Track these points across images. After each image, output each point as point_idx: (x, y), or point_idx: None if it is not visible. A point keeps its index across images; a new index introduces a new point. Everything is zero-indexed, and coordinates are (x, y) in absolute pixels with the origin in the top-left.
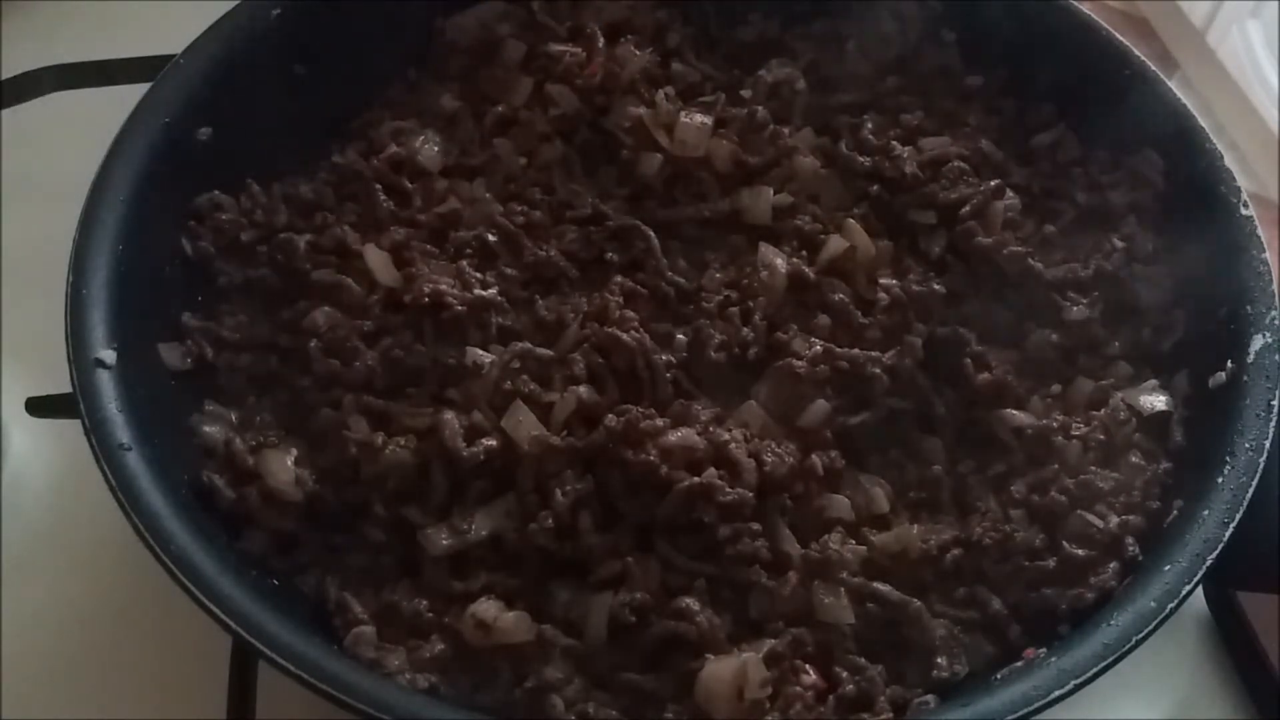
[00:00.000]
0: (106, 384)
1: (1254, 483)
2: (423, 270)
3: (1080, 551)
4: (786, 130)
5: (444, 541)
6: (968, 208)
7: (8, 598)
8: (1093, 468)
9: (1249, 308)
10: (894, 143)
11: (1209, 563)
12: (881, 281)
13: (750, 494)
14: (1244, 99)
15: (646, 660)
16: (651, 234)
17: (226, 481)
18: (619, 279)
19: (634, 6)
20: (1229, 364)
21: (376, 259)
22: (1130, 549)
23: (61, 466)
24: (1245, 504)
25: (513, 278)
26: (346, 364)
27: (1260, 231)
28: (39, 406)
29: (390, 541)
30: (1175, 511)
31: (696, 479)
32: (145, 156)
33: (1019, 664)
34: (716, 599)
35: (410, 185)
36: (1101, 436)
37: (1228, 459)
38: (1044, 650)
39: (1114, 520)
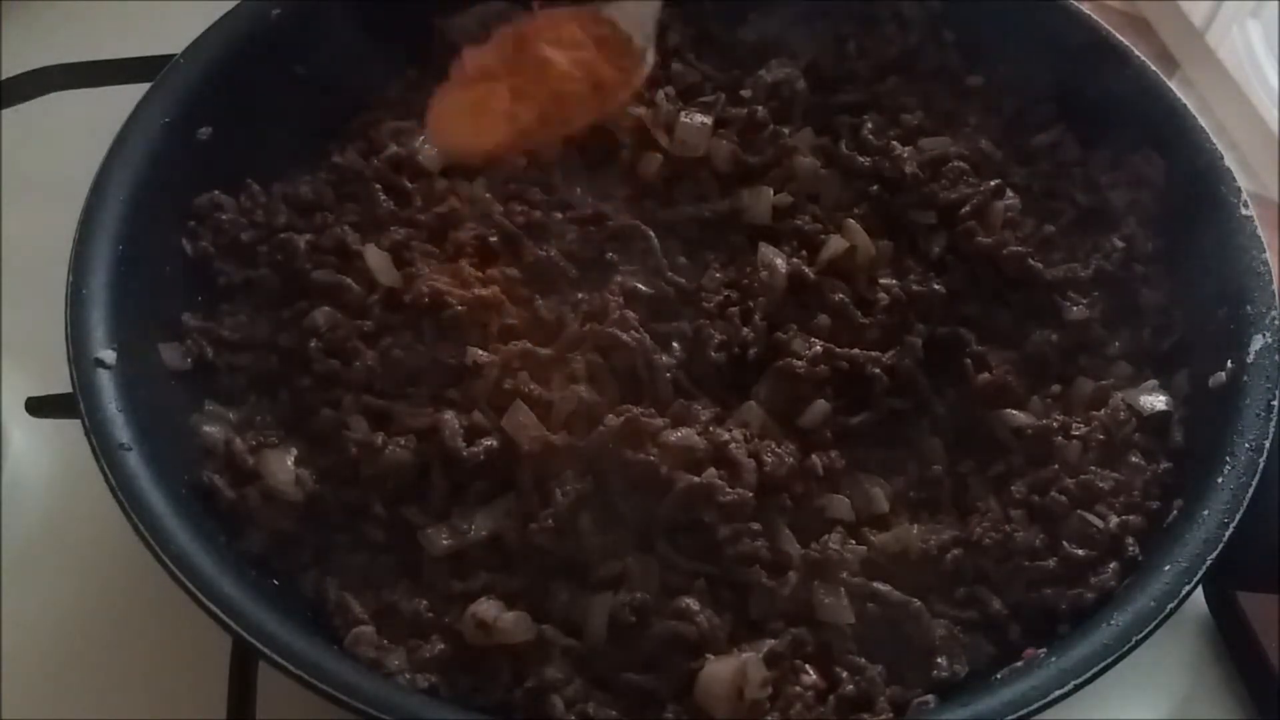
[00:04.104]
0: (106, 384)
1: (1254, 483)
2: (423, 270)
3: (1080, 551)
4: (786, 130)
5: (444, 541)
6: (968, 208)
7: (8, 598)
8: (1093, 468)
9: (1249, 308)
10: (894, 143)
11: (1209, 563)
12: (881, 281)
13: (750, 494)
14: (1244, 99)
15: (646, 660)
16: (651, 234)
17: (226, 481)
18: (619, 279)
19: None
20: (1229, 364)
21: (376, 259)
22: (1130, 549)
23: (61, 466)
24: (1245, 504)
25: (513, 278)
26: (346, 364)
27: (1260, 231)
28: (39, 406)
29: (390, 541)
30: (1175, 511)
31: (696, 479)
32: (145, 156)
33: (1019, 664)
34: (716, 599)
35: (410, 185)
36: (1101, 436)
37: (1228, 459)
38: (1044, 650)
39: (1114, 520)
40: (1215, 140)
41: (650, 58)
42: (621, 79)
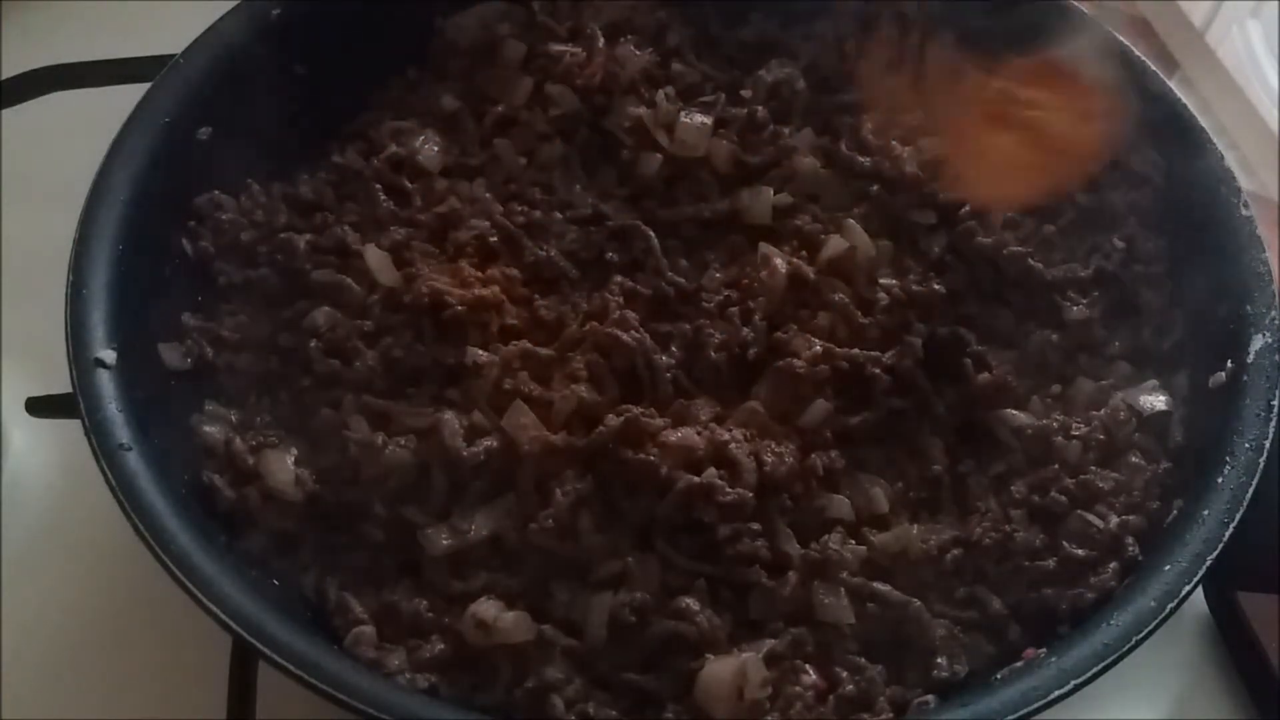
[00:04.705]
0: (106, 384)
1: (1254, 483)
2: (423, 270)
3: (1080, 551)
4: (786, 130)
5: (444, 541)
6: (968, 207)
7: (8, 598)
8: (1093, 468)
9: (1249, 308)
10: (894, 143)
11: (1209, 563)
12: (881, 281)
13: (750, 494)
14: (1244, 99)
15: (646, 660)
16: (651, 234)
17: (226, 481)
18: (619, 279)
19: (634, 6)
20: (1229, 364)
21: (376, 259)
22: (1130, 549)
23: (61, 466)
24: (1245, 504)
25: (513, 278)
26: (346, 364)
27: (1260, 231)
28: (39, 406)
29: (390, 541)
30: (1175, 511)
31: (696, 479)
32: (145, 156)
33: (1019, 664)
34: (716, 599)
35: (410, 185)
36: (1101, 436)
37: (1228, 459)
38: (1044, 650)
39: (1114, 520)
40: (1215, 140)
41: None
42: (1097, 123)
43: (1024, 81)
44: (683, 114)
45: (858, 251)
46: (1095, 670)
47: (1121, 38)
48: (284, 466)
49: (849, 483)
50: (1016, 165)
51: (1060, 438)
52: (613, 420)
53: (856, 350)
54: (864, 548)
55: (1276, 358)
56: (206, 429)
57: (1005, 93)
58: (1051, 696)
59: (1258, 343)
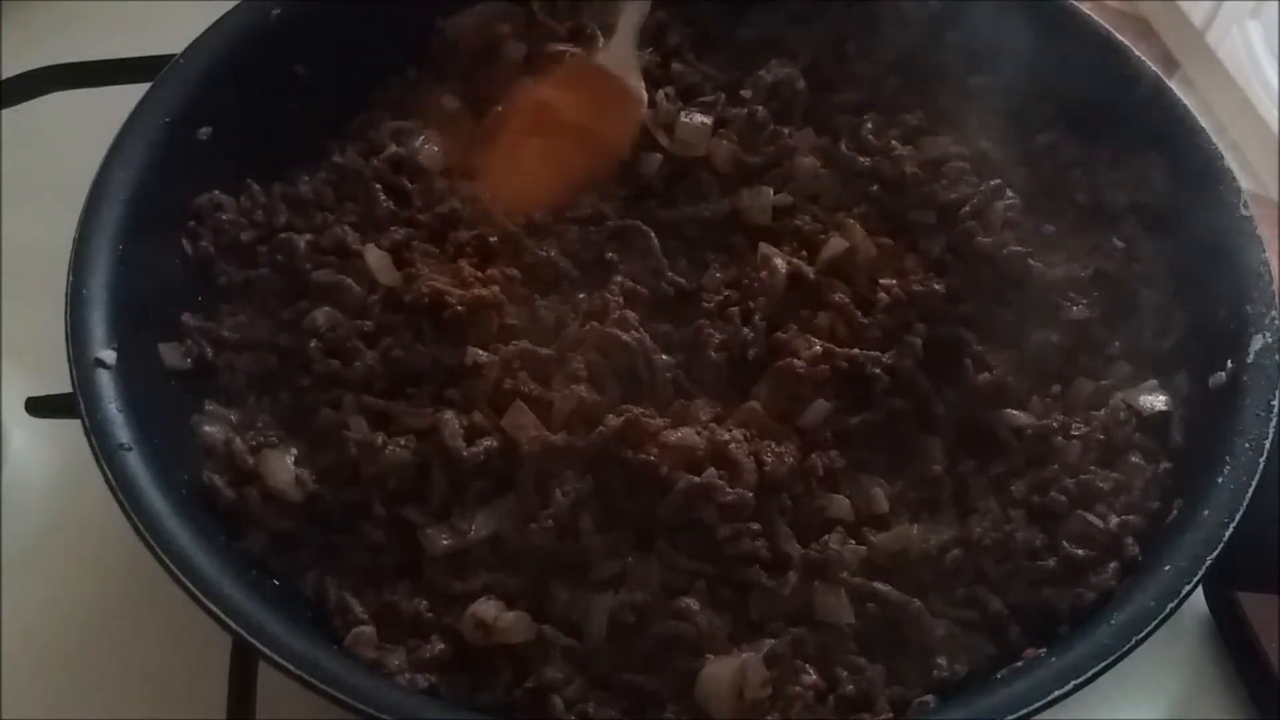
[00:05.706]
0: (106, 384)
1: (1254, 483)
2: (423, 270)
3: (1080, 551)
4: (786, 130)
5: (444, 541)
6: (968, 208)
7: (8, 598)
8: (1093, 468)
9: (1249, 308)
10: (894, 143)
11: (1209, 563)
12: (881, 281)
13: (750, 494)
14: (1244, 99)
15: (646, 660)
16: (651, 234)
17: (226, 481)
18: (619, 279)
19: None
20: (1229, 364)
21: (376, 259)
22: (1130, 549)
23: (61, 466)
24: (1245, 504)
25: (513, 278)
26: (346, 364)
27: (1260, 231)
28: (39, 406)
29: (390, 541)
30: (1175, 511)
31: (696, 479)
32: (145, 156)
33: (1019, 664)
34: (716, 599)
35: (410, 185)
36: (1101, 436)
37: (1228, 459)
38: (1044, 650)
39: (1114, 520)
40: (1215, 140)
41: (643, 93)
42: (625, 118)
43: (557, 86)
44: (683, 114)
45: (858, 251)
46: (1095, 670)
47: (1122, 37)
48: (284, 466)
49: (849, 483)
50: (546, 165)
51: (1060, 438)
52: (613, 420)
53: (856, 350)
54: (864, 548)
55: (1276, 358)
56: (206, 429)
57: (541, 100)
58: (1051, 696)
59: (1258, 343)
